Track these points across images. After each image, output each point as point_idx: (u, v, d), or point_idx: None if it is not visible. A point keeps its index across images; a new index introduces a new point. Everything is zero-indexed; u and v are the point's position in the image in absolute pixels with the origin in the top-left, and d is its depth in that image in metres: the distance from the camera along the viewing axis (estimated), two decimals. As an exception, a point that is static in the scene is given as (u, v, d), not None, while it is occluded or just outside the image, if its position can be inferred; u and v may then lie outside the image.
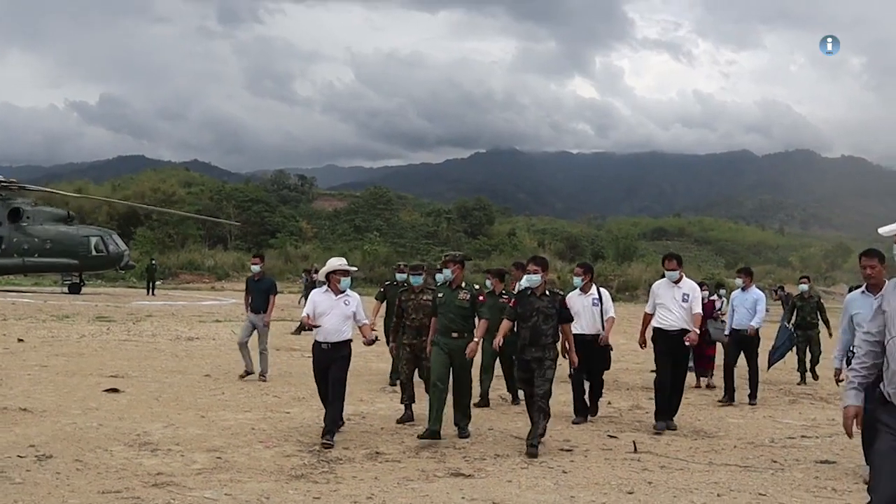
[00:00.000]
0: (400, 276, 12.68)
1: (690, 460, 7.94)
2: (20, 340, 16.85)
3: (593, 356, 9.98)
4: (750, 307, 12.08)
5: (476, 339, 8.63)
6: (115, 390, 10.89)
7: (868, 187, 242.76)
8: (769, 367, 13.78)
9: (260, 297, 12.89)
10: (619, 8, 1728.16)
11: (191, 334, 19.93)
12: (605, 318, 10.19)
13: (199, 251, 68.52)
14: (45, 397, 10.25)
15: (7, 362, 13.54)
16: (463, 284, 8.98)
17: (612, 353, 10.50)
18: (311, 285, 24.37)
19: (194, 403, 10.38)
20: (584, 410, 10.12)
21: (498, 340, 8.52)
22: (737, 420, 10.42)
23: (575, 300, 10.06)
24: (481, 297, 9.18)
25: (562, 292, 8.87)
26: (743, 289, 12.32)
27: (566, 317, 8.67)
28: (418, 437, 8.44)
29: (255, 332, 12.84)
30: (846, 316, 7.37)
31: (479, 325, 8.87)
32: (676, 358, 9.82)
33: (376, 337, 9.07)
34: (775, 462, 7.94)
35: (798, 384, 14.37)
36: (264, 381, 12.53)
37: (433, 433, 8.41)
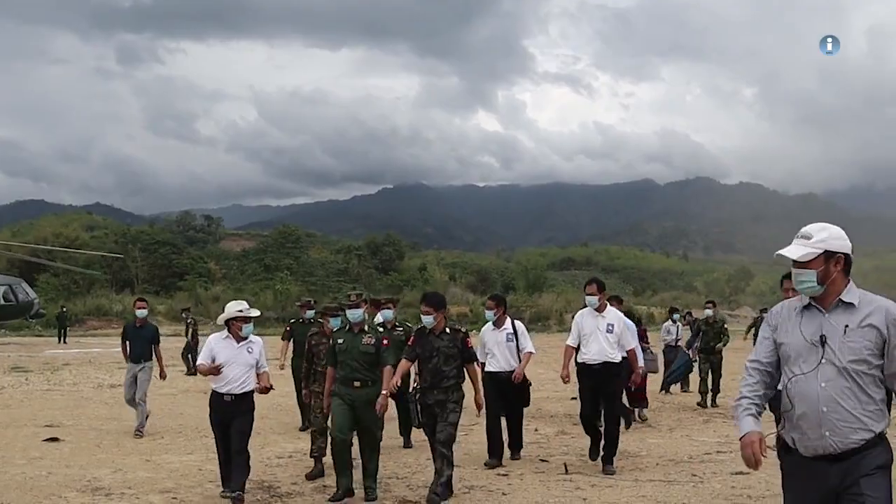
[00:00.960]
0: (308, 314, 12.32)
1: (618, 478, 8.56)
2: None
3: (511, 393, 9.49)
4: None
5: (384, 391, 7.68)
6: (55, 439, 11.04)
7: (766, 212, 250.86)
8: (662, 389, 14.10)
9: (142, 344, 12.00)
10: (518, 43, 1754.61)
11: (112, 381, 19.77)
12: (521, 353, 9.56)
13: (106, 296, 67.28)
14: None
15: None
16: (366, 327, 8.05)
17: (530, 387, 9.88)
18: (192, 327, 23.26)
19: (136, 448, 10.61)
20: (499, 452, 9.48)
21: (395, 381, 7.70)
22: (657, 440, 11.08)
23: (488, 335, 9.65)
24: (385, 341, 7.98)
25: (462, 330, 8.08)
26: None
27: (469, 356, 7.95)
28: (329, 501, 7.81)
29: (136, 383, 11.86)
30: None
31: (386, 374, 7.73)
32: (605, 393, 9.16)
33: (271, 386, 8.24)
34: (695, 475, 8.63)
35: (698, 404, 14.66)
36: (140, 436, 11.56)
37: (346, 491, 7.80)
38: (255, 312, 8.26)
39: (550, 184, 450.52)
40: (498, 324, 9.64)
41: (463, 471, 8.78)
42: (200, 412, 13.23)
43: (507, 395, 9.49)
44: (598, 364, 9.05)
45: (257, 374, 8.08)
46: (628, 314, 17.00)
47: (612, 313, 9.38)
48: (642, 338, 13.08)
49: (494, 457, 9.41)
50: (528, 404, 9.89)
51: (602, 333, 9.10)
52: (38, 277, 64.70)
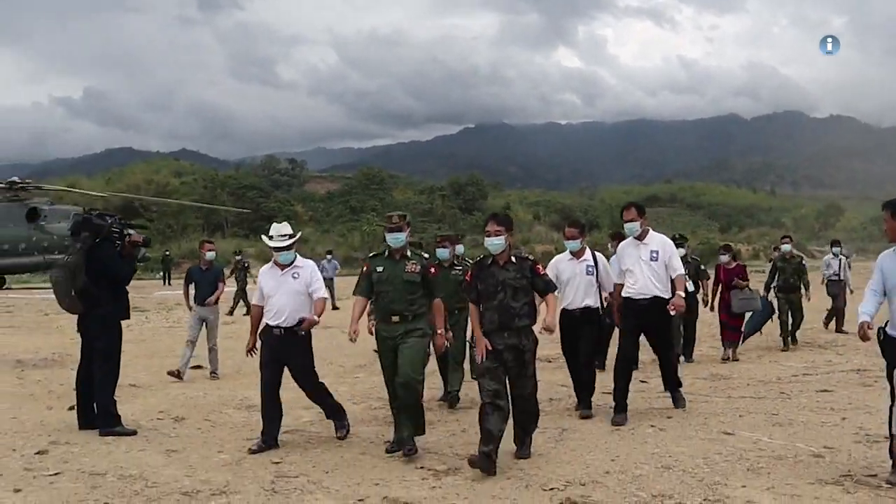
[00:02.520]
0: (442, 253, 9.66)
1: (712, 395, 9.47)
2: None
3: (586, 335, 8.57)
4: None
5: (439, 330, 7.08)
6: (198, 367, 12.27)
7: (857, 146, 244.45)
8: (743, 341, 13.19)
9: (209, 287, 12.07)
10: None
11: (225, 318, 21.22)
12: (604, 291, 8.76)
13: (198, 240, 69.36)
14: (141, 376, 11.56)
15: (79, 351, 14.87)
16: (409, 253, 7.16)
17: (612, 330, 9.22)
18: (243, 271, 24.23)
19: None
20: (587, 399, 8.57)
21: (477, 335, 6.72)
22: (747, 365, 11.89)
23: (564, 266, 8.64)
24: (433, 269, 7.22)
25: (531, 257, 6.95)
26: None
27: (545, 286, 6.81)
28: (387, 451, 7.00)
29: (205, 326, 11.98)
30: (878, 277, 6.01)
31: (437, 308, 7.11)
32: (651, 330, 8.37)
33: (318, 318, 7.46)
34: (783, 393, 9.52)
35: (782, 350, 13.67)
36: (216, 377, 11.74)
37: (404, 440, 6.92)
38: (289, 238, 7.52)
39: (634, 120, 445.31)
40: (577, 254, 8.66)
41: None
42: (333, 340, 14.37)
43: (582, 337, 8.59)
44: (645, 300, 8.12)
45: (315, 302, 7.52)
46: (835, 243, 17.59)
47: (656, 239, 8.32)
48: (740, 275, 12.74)
49: (583, 405, 8.56)
50: (598, 355, 9.46)
51: (644, 263, 8.16)
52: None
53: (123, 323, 8.44)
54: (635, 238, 8.29)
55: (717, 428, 7.66)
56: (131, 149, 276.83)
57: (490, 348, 6.57)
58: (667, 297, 8.10)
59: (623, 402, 8.15)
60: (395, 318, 7.02)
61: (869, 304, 5.95)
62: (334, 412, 7.82)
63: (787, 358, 12.63)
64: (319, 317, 7.48)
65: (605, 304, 8.88)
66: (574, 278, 8.54)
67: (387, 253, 7.19)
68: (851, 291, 16.66)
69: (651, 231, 8.35)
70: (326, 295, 7.68)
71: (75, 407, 8.37)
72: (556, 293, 7.11)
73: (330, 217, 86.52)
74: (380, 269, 7.14)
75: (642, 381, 10.39)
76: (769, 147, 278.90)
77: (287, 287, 7.46)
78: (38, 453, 7.08)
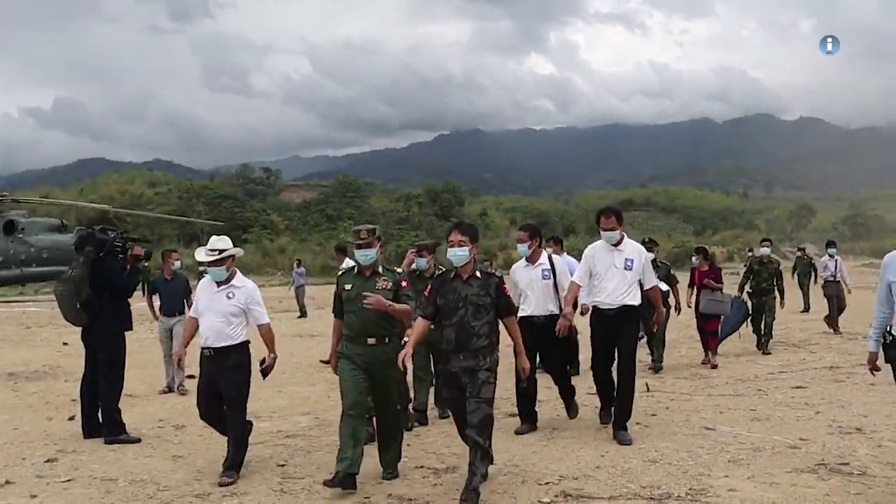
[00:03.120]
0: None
1: (693, 393, 9.89)
2: (65, 344, 18.26)
3: (548, 343, 7.95)
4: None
5: (407, 342, 6.24)
6: (192, 377, 12.49)
7: (827, 147, 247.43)
8: (720, 341, 13.05)
9: (175, 297, 11.73)
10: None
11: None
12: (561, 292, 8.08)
13: (162, 250, 69.21)
14: (136, 387, 11.62)
15: (69, 363, 15.01)
16: (380, 269, 6.56)
17: (578, 336, 8.33)
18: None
19: (265, 381, 12.04)
20: (531, 417, 8.16)
21: (406, 352, 6.01)
22: (725, 365, 12.27)
23: (520, 274, 8.23)
24: (404, 283, 6.60)
25: (497, 274, 6.41)
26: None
27: (507, 308, 6.28)
28: (324, 483, 6.24)
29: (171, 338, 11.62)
30: (884, 283, 5.76)
31: (404, 313, 6.47)
32: (620, 342, 7.69)
33: (272, 357, 6.92)
34: (760, 390, 9.95)
35: (757, 346, 13.72)
36: (184, 393, 11.14)
37: (346, 478, 6.15)
38: (228, 251, 6.94)
39: (608, 125, 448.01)
40: (532, 259, 8.21)
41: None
42: (309, 351, 14.72)
43: (543, 345, 8.01)
44: (614, 309, 7.65)
45: (260, 334, 6.96)
46: (830, 244, 17.49)
47: (631, 247, 7.88)
48: (716, 278, 12.71)
49: (526, 422, 8.12)
50: (571, 361, 8.60)
51: (619, 271, 7.70)
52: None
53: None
54: (612, 245, 7.80)
55: (699, 424, 8.05)
56: (104, 159, 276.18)
57: (446, 371, 6.19)
58: (636, 305, 7.74)
59: (608, 401, 8.02)
60: (371, 340, 6.37)
61: (877, 329, 5.79)
62: (234, 459, 6.78)
63: (764, 357, 13.02)
64: (272, 349, 6.93)
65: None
66: (531, 285, 8.10)
67: (356, 270, 6.63)
68: (849, 291, 17.04)
69: (626, 238, 7.90)
70: (268, 320, 7.02)
71: (75, 417, 8.62)
72: (513, 316, 6.37)
73: (306, 226, 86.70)
74: (348, 286, 6.56)
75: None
76: (741, 150, 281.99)
77: (218, 306, 6.88)
78: (47, 461, 7.32)
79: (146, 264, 11.53)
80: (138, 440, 8.12)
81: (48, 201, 49.77)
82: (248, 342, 6.96)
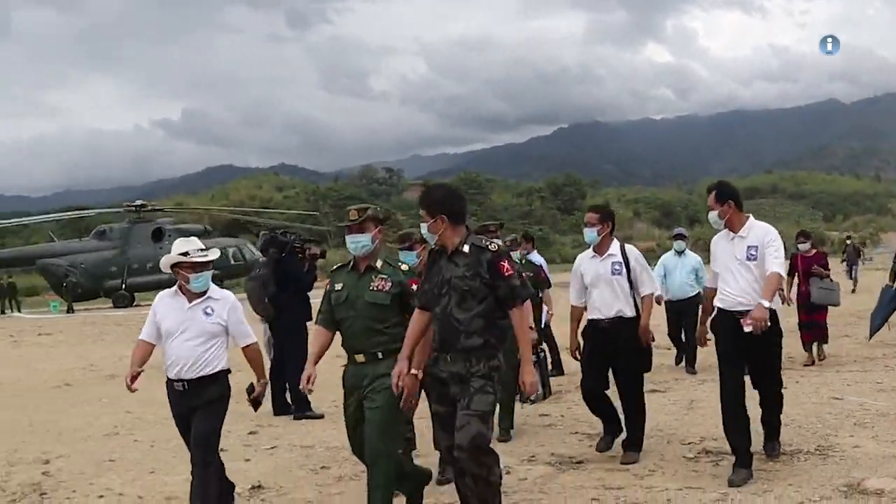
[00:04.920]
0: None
1: (822, 371, 10.58)
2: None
3: (618, 351, 6.69)
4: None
5: (402, 364, 4.86)
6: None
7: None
8: (871, 336, 12.25)
9: None
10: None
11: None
12: (639, 295, 6.81)
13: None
14: None
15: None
16: (378, 263, 5.20)
17: (652, 344, 6.99)
18: None
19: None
20: (613, 430, 6.92)
21: (400, 369, 4.85)
22: (853, 345, 12.86)
23: (587, 265, 6.90)
24: (414, 286, 5.23)
25: (492, 245, 4.82)
26: (678, 252, 11.33)
27: (509, 292, 4.74)
28: None
29: None
30: None
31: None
32: (753, 351, 6.04)
33: (263, 388, 5.69)
34: (888, 366, 10.56)
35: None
36: None
37: None
38: (212, 254, 5.56)
39: (729, 111, 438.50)
40: (600, 249, 6.82)
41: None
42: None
43: (613, 354, 6.76)
44: (741, 312, 5.94)
45: (246, 355, 5.64)
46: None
47: (756, 231, 6.12)
48: (824, 264, 11.56)
49: (607, 434, 6.94)
50: (648, 368, 7.00)
51: (740, 264, 6.07)
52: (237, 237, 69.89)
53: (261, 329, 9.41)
54: (732, 232, 6.17)
55: (827, 394, 8.75)
56: (231, 166, 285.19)
57: (431, 376, 4.96)
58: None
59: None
60: (360, 358, 5.10)
61: None
62: (201, 495, 5.41)
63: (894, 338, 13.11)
64: (261, 374, 5.69)
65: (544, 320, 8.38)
66: (598, 280, 6.78)
67: (351, 265, 5.29)
68: None
69: (752, 219, 6.24)
70: (254, 339, 5.69)
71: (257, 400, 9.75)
72: (523, 304, 4.77)
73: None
74: (338, 286, 5.25)
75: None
76: (872, 131, 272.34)
77: (195, 326, 5.42)
78: (250, 433, 8.40)
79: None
80: (322, 416, 9.18)
81: (185, 209, 52.57)
82: (229, 370, 5.58)
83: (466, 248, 4.78)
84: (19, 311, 40.09)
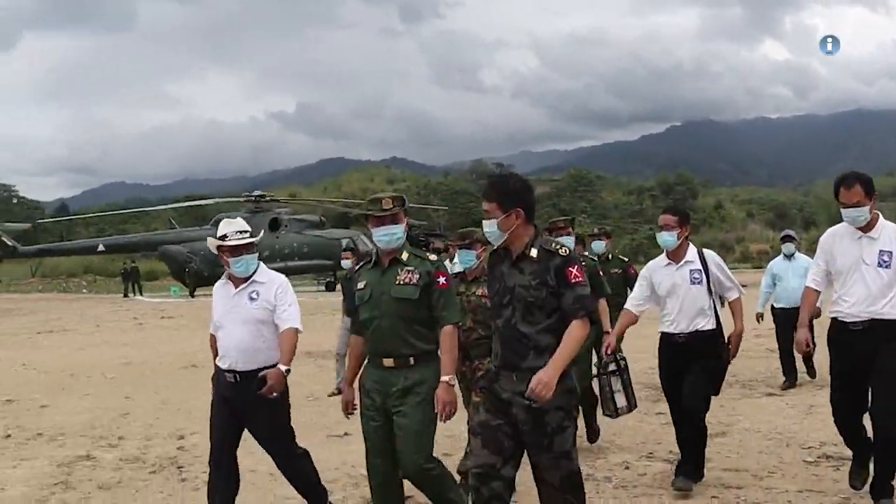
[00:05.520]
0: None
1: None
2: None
3: (697, 368, 6.02)
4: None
5: (445, 377, 4.58)
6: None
7: None
8: None
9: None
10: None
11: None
12: (727, 301, 6.27)
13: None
14: None
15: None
16: (404, 255, 4.78)
17: (728, 359, 6.22)
18: None
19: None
20: (692, 462, 6.13)
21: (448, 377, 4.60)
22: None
23: (660, 273, 6.26)
24: (442, 278, 4.75)
25: (563, 249, 4.19)
26: (788, 256, 10.61)
27: (575, 302, 4.10)
28: None
29: None
30: None
31: (445, 339, 4.69)
32: (877, 367, 5.25)
33: (278, 378, 4.90)
34: None
35: None
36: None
37: None
38: (248, 236, 5.23)
39: (850, 111, 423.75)
40: (676, 255, 6.22)
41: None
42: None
43: (689, 372, 6.04)
44: (862, 324, 5.32)
45: (280, 337, 5.12)
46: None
47: (889, 232, 5.44)
48: None
49: (685, 474, 6.08)
50: (717, 391, 6.28)
51: (871, 269, 5.35)
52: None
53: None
54: (859, 230, 5.45)
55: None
56: (343, 158, 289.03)
57: (490, 394, 4.31)
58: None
59: (860, 456, 5.75)
60: (389, 362, 4.66)
61: None
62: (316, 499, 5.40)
63: None
64: (288, 362, 5.02)
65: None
66: (675, 290, 6.15)
67: (373, 260, 4.89)
68: None
69: (881, 219, 5.50)
70: (298, 325, 5.14)
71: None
72: (584, 319, 4.11)
73: (540, 220, 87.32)
74: (360, 285, 4.84)
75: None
76: None
77: (239, 313, 5.15)
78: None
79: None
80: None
81: (301, 200, 53.74)
82: None
83: (534, 252, 4.17)
84: (141, 294, 41.75)
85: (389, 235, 4.76)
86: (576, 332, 4.08)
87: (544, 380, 3.93)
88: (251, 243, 5.21)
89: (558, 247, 4.18)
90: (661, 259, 6.32)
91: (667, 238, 6.17)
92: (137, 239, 47.96)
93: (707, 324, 6.08)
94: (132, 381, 12.35)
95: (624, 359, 6.64)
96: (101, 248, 45.58)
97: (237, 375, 5.11)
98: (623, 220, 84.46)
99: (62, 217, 73.83)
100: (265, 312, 5.13)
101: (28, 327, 23.09)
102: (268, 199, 43.42)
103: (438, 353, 4.72)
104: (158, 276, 51.95)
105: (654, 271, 6.33)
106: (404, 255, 4.79)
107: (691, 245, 6.26)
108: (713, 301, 6.13)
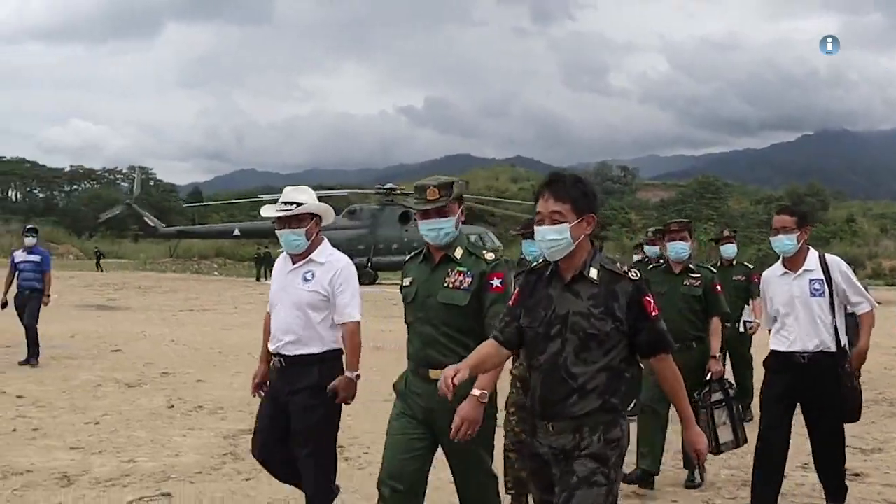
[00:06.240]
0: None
1: None
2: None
3: (824, 391, 5.31)
4: None
5: (477, 391, 3.54)
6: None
7: None
8: None
9: None
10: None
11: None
12: (857, 315, 5.52)
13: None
14: None
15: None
16: (457, 252, 4.08)
17: (858, 383, 5.46)
18: None
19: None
20: (771, 494, 5.50)
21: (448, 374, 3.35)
22: None
23: (776, 285, 5.58)
24: (496, 280, 4.01)
25: (633, 273, 3.35)
26: None
27: (657, 340, 3.37)
28: None
29: None
30: None
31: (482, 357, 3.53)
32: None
33: (348, 383, 4.62)
34: None
35: None
36: None
37: None
38: (317, 208, 4.73)
39: None
40: (793, 263, 5.50)
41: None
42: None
43: (814, 394, 5.37)
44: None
45: (344, 333, 4.68)
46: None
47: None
48: None
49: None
50: (856, 417, 5.49)
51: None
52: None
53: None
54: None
55: None
56: (469, 155, 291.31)
57: (530, 454, 3.55)
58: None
59: None
60: (435, 374, 3.82)
61: None
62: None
63: None
64: (353, 363, 4.65)
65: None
66: (792, 303, 5.44)
67: (423, 254, 4.24)
68: None
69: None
70: (357, 316, 4.68)
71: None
72: (668, 355, 3.40)
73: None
74: (407, 280, 4.22)
75: None
76: None
77: (293, 293, 4.69)
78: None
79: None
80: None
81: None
82: (339, 351, 4.72)
83: (594, 273, 3.33)
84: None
85: (436, 231, 4.08)
86: (668, 371, 3.41)
87: (698, 446, 3.46)
88: (298, 217, 4.65)
89: (624, 268, 3.36)
90: (777, 268, 5.62)
91: (784, 242, 5.46)
92: (272, 225, 49.27)
93: (830, 344, 5.30)
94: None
95: (733, 385, 6.09)
96: (236, 232, 47.20)
97: (282, 360, 4.69)
98: (750, 230, 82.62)
99: (197, 203, 76.66)
100: (317, 297, 4.64)
101: (170, 305, 24.17)
102: (398, 191, 44.13)
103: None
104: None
105: (769, 282, 5.65)
106: (458, 253, 4.09)
107: (812, 251, 5.49)
108: (837, 316, 5.35)
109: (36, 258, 12.15)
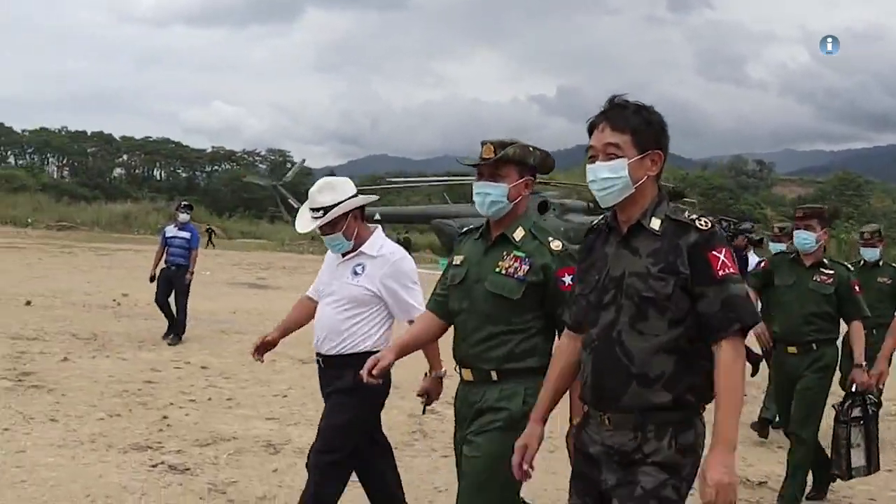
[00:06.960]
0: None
1: None
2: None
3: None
4: None
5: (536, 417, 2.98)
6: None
7: None
8: None
9: None
10: None
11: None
12: None
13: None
14: None
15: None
16: (517, 234, 3.39)
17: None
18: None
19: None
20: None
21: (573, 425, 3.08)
22: None
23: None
24: (565, 274, 3.26)
25: (709, 220, 2.62)
26: None
27: (738, 309, 2.55)
28: None
29: None
30: None
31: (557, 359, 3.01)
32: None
33: (435, 383, 4.07)
34: None
35: None
36: None
37: None
38: (335, 210, 4.20)
39: None
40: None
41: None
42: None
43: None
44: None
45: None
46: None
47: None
48: None
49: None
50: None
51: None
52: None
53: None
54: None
55: None
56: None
57: (576, 450, 2.87)
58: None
59: None
60: (467, 374, 3.43)
61: None
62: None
63: None
64: (437, 364, 4.11)
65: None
66: None
67: (480, 231, 3.57)
68: None
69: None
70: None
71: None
72: (739, 339, 2.55)
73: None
74: (458, 259, 3.56)
75: None
76: None
77: (340, 287, 4.29)
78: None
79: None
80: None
81: (575, 184, 53.47)
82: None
83: (656, 224, 2.65)
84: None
85: (482, 195, 3.40)
86: (735, 367, 2.53)
87: (723, 479, 2.43)
88: (330, 222, 4.21)
89: (694, 217, 2.64)
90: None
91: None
92: (412, 211, 49.86)
93: None
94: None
95: (876, 402, 5.27)
96: (377, 216, 47.91)
97: (322, 359, 4.34)
98: (892, 229, 79.56)
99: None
100: (365, 293, 4.19)
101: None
102: (535, 181, 44.10)
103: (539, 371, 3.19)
104: (416, 248, 53.80)
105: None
106: (518, 234, 3.39)
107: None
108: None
109: (186, 234, 12.37)
